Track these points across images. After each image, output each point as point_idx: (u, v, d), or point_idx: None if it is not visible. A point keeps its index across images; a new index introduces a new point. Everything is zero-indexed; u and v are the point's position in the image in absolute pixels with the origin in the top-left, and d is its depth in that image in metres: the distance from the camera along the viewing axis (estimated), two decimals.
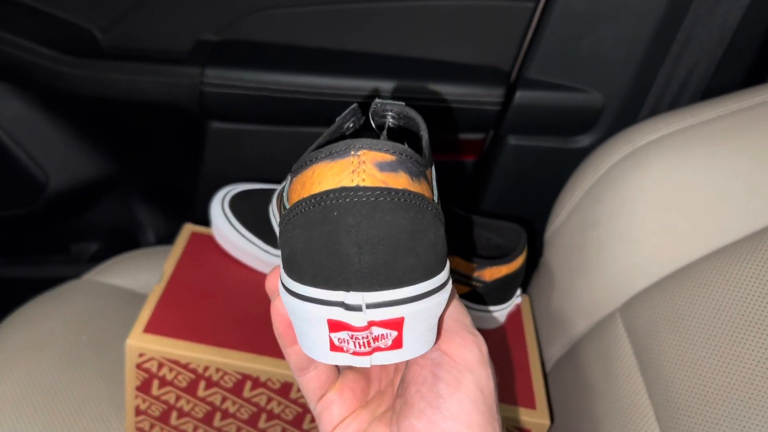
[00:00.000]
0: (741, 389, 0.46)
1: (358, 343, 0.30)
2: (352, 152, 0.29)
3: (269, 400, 0.52)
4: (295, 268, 0.30)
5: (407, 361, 0.35)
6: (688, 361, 0.50)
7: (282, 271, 0.32)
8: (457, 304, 0.36)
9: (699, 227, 0.55)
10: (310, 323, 0.30)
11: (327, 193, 0.29)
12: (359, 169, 0.29)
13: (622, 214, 0.59)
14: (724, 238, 0.54)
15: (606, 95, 0.73)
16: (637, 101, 0.72)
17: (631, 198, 0.59)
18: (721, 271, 0.52)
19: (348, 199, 0.29)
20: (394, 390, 0.38)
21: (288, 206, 0.31)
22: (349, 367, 0.40)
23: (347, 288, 0.29)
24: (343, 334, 0.30)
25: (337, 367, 0.40)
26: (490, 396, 0.33)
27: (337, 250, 0.28)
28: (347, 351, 0.30)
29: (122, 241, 0.97)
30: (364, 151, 0.29)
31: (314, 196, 0.29)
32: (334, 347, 0.30)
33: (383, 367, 0.39)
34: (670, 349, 0.52)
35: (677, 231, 0.56)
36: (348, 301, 0.29)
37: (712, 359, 0.49)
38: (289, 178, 0.33)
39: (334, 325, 0.29)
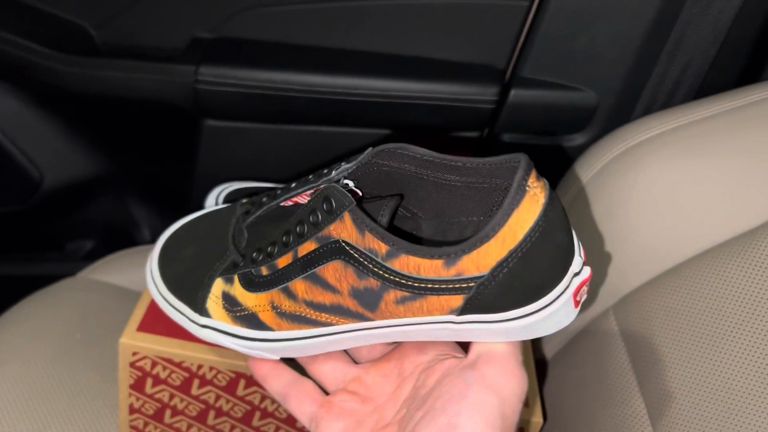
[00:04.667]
0: (732, 387, 0.46)
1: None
2: None
3: (263, 398, 0.52)
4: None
5: (444, 374, 0.37)
6: (680, 359, 0.50)
7: None
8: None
9: (692, 226, 0.56)
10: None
11: None
12: None
13: (616, 212, 0.59)
14: (717, 236, 0.54)
15: (600, 94, 0.73)
16: (631, 100, 0.72)
17: (625, 197, 0.59)
18: (713, 270, 0.52)
19: None
20: (396, 404, 0.39)
21: None
22: (348, 390, 0.41)
23: None
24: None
25: (320, 386, 0.42)
26: (510, 427, 0.34)
27: None
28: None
29: (117, 238, 0.97)
30: None
31: None
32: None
33: (384, 379, 0.41)
34: (663, 346, 0.52)
35: (670, 230, 0.56)
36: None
37: (703, 357, 0.49)
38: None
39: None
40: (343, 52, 0.73)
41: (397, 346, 0.42)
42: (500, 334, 0.37)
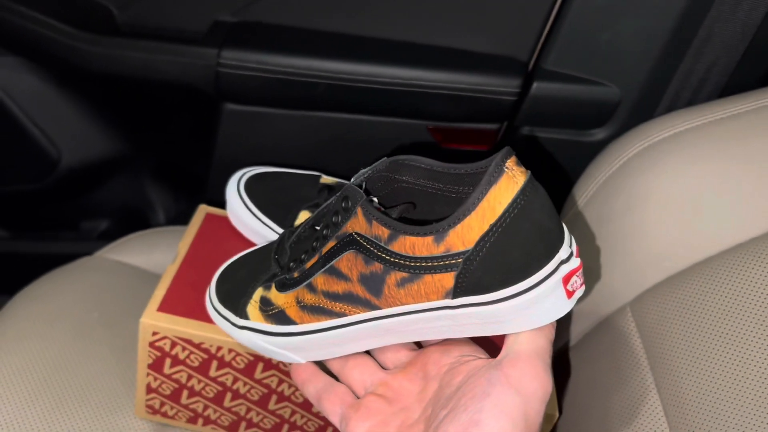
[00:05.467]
0: (751, 387, 0.46)
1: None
2: None
3: (280, 382, 0.52)
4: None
5: (469, 374, 0.39)
6: (698, 357, 0.50)
7: None
8: (542, 333, 0.39)
9: (713, 224, 0.55)
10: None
11: None
12: None
13: (636, 208, 0.59)
14: (739, 235, 0.54)
15: (623, 89, 0.73)
16: (655, 96, 0.72)
17: (646, 193, 0.59)
18: (734, 269, 0.52)
19: None
20: (422, 404, 0.41)
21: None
22: (376, 393, 0.43)
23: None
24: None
25: (351, 390, 0.45)
26: (533, 426, 0.35)
27: None
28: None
29: (132, 219, 0.98)
30: None
31: None
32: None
33: (410, 382, 0.42)
34: (680, 344, 0.52)
35: (691, 227, 0.56)
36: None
37: (722, 356, 0.49)
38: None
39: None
40: (365, 40, 0.73)
41: (421, 351, 0.44)
42: (493, 318, 0.39)
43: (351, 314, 0.43)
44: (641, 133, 0.64)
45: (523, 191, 0.36)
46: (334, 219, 0.42)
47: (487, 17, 0.71)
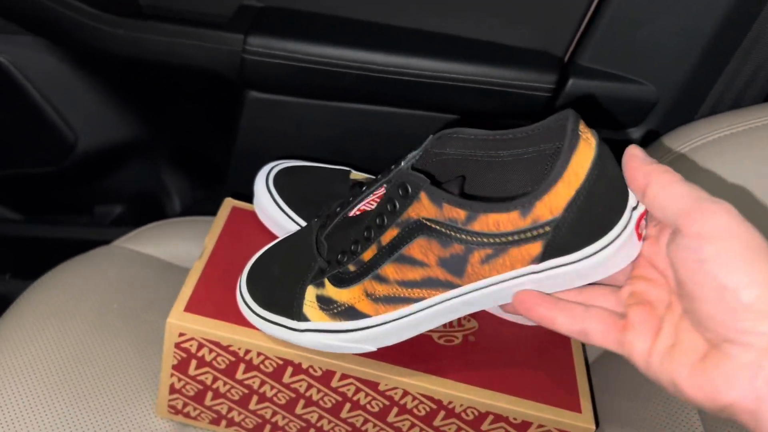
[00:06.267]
0: None
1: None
2: None
3: (309, 386, 0.51)
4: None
5: (674, 261, 0.37)
6: None
7: None
8: (679, 181, 0.37)
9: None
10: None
11: None
12: None
13: None
14: None
15: (660, 88, 0.70)
16: (695, 97, 0.70)
17: None
18: None
19: None
20: (677, 297, 0.39)
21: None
22: (631, 304, 0.40)
23: None
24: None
25: (614, 311, 0.41)
26: (764, 245, 0.34)
27: None
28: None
29: (147, 206, 0.96)
30: None
31: None
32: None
33: (653, 284, 0.40)
34: None
35: None
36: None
37: None
38: None
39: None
40: (395, 29, 0.71)
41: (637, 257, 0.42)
42: (577, 274, 0.40)
43: (430, 297, 0.43)
44: (684, 135, 0.62)
45: (598, 153, 0.37)
46: (389, 207, 0.41)
47: (522, 10, 0.69)
